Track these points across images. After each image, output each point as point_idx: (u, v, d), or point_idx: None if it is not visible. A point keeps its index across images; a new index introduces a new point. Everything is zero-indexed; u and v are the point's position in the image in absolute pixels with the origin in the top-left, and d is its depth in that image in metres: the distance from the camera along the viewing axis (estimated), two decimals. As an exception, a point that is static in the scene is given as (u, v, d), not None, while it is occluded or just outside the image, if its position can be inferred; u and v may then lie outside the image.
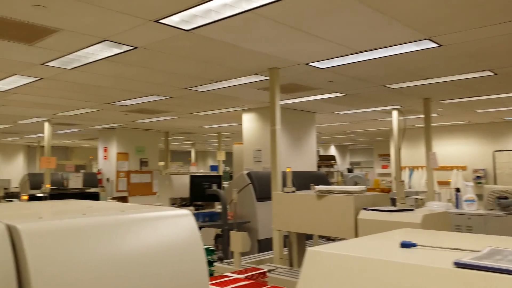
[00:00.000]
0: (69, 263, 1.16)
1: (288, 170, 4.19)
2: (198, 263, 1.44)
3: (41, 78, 5.84)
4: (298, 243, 4.30)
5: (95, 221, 1.31)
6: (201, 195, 6.67)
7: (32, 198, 8.22)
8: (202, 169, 21.78)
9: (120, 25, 3.81)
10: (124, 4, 3.34)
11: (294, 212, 3.81)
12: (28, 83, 6.11)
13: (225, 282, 2.52)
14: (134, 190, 13.13)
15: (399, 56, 4.98)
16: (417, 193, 9.18)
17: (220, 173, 14.06)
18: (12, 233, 1.13)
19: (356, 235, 3.21)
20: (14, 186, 14.77)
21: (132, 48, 4.47)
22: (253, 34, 4.14)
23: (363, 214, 3.13)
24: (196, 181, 6.75)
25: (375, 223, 3.05)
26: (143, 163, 13.35)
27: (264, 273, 2.85)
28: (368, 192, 3.55)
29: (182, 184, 10.43)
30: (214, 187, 6.24)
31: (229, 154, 23.29)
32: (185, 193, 10.21)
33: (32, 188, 11.04)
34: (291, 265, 4.35)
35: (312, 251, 1.36)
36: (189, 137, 16.72)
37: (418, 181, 13.80)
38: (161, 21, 3.70)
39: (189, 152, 24.55)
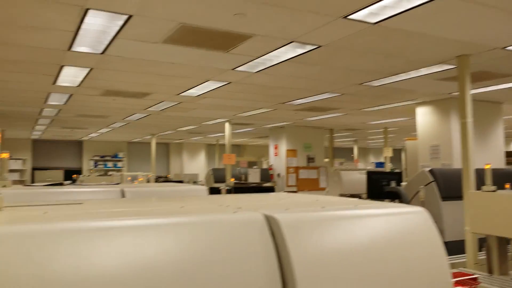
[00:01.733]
0: (323, 252, 1.21)
1: (487, 167, 3.79)
2: (439, 260, 1.39)
3: (229, 83, 6.45)
4: (499, 248, 3.86)
5: (338, 214, 1.35)
6: (379, 192, 6.51)
7: (214, 191, 9.17)
8: (363, 166, 21.31)
9: (308, 25, 3.95)
10: (315, 3, 3.46)
11: (495, 213, 3.43)
12: (217, 87, 6.82)
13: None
14: (302, 185, 13.57)
15: None
16: None
17: (387, 170, 13.55)
18: (270, 223, 1.23)
19: None
20: (199, 180, 16.69)
21: (315, 47, 4.60)
22: (444, 19, 3.85)
23: None
24: (374, 178, 6.61)
25: None
26: (310, 159, 13.70)
27: (475, 279, 2.63)
28: None
29: (351, 180, 10.37)
30: (393, 184, 6.02)
31: (395, 151, 22.26)
32: (355, 189, 10.12)
33: (216, 181, 12.30)
34: (490, 271, 3.94)
35: None
36: (353, 134, 16.54)
37: None
38: (349, 16, 3.71)
39: (351, 149, 24.28)
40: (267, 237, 1.20)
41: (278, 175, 13.43)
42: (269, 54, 4.86)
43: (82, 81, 6.43)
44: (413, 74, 6.00)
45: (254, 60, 5.14)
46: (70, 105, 8.76)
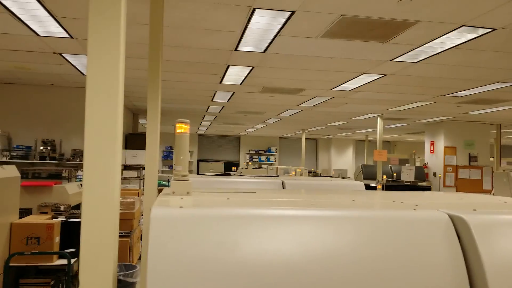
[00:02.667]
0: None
1: None
2: None
3: (385, 75, 6.26)
4: None
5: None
6: None
7: (366, 188, 8.97)
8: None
9: (481, 7, 3.61)
10: (493, -18, 3.14)
11: None
12: (372, 80, 6.67)
13: None
14: (462, 186, 12.42)
15: None
16: None
17: None
18: (455, 223, 1.16)
19: None
20: (348, 176, 16.55)
21: (489, 31, 4.17)
22: None
23: None
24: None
25: None
26: (472, 158, 12.44)
27: None
28: None
29: (525, 182, 9.12)
30: None
31: None
32: (530, 193, 8.85)
33: (365, 178, 12.05)
34: None
35: None
36: (527, 130, 14.46)
37: None
38: (534, -8, 3.29)
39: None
40: (453, 238, 1.14)
41: (434, 174, 12.52)
42: (433, 41, 4.57)
43: (244, 80, 6.94)
44: None
45: (416, 49, 4.89)
46: (231, 103, 9.53)
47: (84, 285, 1.07)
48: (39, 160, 7.82)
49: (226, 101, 9.31)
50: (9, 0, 3.83)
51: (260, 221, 1.08)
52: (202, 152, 20.43)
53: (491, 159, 14.45)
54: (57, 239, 4.35)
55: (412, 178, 9.71)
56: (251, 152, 20.59)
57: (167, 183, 12.52)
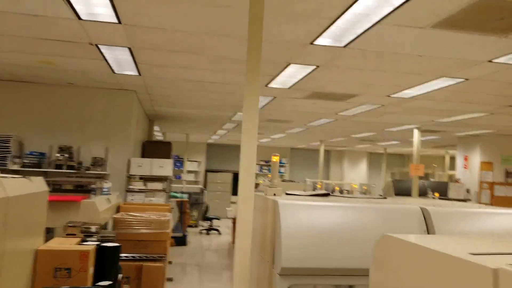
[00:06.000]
0: None
1: None
2: None
3: (465, 79, 5.47)
4: None
5: None
6: None
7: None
8: None
9: None
10: None
11: None
12: (444, 86, 5.88)
13: None
14: (498, 203, 11.67)
15: None
16: None
17: None
18: None
19: None
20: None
21: None
22: None
23: None
24: None
25: None
26: (509, 174, 11.71)
27: None
28: None
29: None
30: None
31: None
32: None
33: (397, 194, 11.26)
34: None
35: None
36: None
37: None
38: None
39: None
40: None
41: (468, 190, 11.75)
42: None
43: (296, 82, 6.11)
44: None
45: (533, 47, 4.10)
46: (265, 109, 8.69)
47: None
48: (55, 169, 6.89)
49: (261, 107, 8.47)
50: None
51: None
52: (210, 162, 19.52)
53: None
54: (91, 270, 3.43)
55: (461, 196, 8.91)
56: (261, 163, 19.73)
57: (178, 195, 11.61)
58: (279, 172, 19.64)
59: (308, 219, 2.54)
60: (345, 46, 4.40)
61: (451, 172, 15.67)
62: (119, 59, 5.40)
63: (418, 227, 2.59)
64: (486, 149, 11.40)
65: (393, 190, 11.38)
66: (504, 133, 10.82)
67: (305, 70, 5.43)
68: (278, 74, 5.73)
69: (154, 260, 5.85)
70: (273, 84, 6.37)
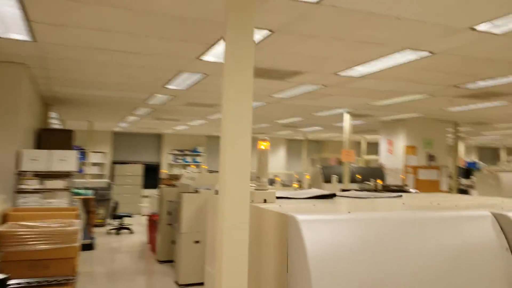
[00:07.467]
0: None
1: None
2: None
3: (431, 53, 4.84)
4: None
5: None
6: None
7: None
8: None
9: None
10: None
11: None
12: (403, 63, 5.23)
13: None
14: (421, 188, 11.82)
15: None
16: None
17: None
18: None
19: None
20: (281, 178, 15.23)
21: None
22: None
23: None
24: None
25: None
26: (430, 157, 11.89)
27: None
28: None
29: None
30: None
31: None
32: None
33: (327, 182, 10.76)
34: None
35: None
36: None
37: None
38: None
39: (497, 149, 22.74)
40: None
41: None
42: None
43: (237, 53, 5.03)
44: None
45: (532, 10, 3.49)
46: (189, 90, 7.47)
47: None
48: None
49: (185, 88, 7.24)
50: None
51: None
52: (117, 153, 17.62)
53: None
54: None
55: (399, 182, 8.58)
56: (175, 152, 18.32)
57: (81, 192, 9.92)
58: (194, 161, 18.44)
59: (342, 240, 1.54)
60: (318, 2, 3.43)
61: (370, 157, 15.81)
62: (2, 15, 3.86)
63: (496, 243, 1.73)
64: (410, 133, 11.39)
65: (322, 178, 10.86)
66: (430, 116, 10.83)
67: (255, 36, 4.37)
68: (216, 42, 4.60)
69: (58, 285, 4.48)
70: (207, 57, 5.23)
